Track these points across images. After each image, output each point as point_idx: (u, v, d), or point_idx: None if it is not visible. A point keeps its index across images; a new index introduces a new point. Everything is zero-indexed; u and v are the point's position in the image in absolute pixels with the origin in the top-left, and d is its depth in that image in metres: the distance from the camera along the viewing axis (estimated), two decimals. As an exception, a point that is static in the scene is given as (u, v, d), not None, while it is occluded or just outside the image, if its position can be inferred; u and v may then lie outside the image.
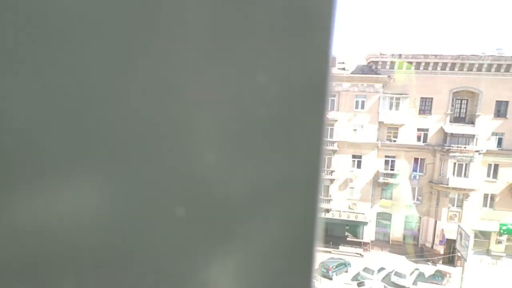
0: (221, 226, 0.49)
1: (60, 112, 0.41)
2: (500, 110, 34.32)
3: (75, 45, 0.41)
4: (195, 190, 0.47)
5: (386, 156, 36.71)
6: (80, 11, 0.40)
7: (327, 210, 37.20)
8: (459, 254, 31.76)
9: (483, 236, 35.71)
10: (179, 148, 0.45)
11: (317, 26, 0.45)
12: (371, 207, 37.31)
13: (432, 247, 35.82)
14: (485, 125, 34.22)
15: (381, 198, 37.18)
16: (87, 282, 0.46)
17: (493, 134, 34.46)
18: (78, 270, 0.45)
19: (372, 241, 37.65)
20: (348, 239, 37.68)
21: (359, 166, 37.10)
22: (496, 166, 34.73)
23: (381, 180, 36.45)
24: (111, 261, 0.46)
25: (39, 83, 0.41)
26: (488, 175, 34.97)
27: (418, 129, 35.82)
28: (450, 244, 34.29)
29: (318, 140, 0.49)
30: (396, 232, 37.51)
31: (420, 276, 32.00)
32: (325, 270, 32.24)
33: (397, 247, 36.98)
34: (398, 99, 35.47)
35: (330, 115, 36.52)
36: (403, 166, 36.43)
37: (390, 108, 35.77)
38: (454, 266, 33.92)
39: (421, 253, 35.84)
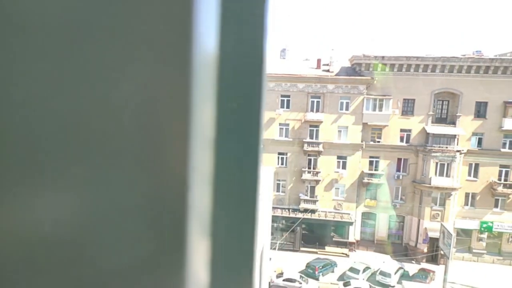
0: None
1: None
2: (480, 110, 35.13)
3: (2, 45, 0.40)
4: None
5: (370, 157, 37.15)
6: (7, 11, 0.39)
7: (313, 211, 37.44)
8: (442, 252, 32.37)
9: (465, 234, 36.47)
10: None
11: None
12: (356, 207, 37.69)
13: (416, 246, 36.39)
14: (466, 126, 34.99)
15: (366, 198, 37.60)
16: (39, 279, 0.46)
17: (474, 134, 35.25)
18: (31, 267, 0.45)
19: (357, 241, 38.03)
20: (334, 239, 37.97)
21: (344, 167, 37.44)
22: (477, 165, 35.53)
23: (365, 180, 36.87)
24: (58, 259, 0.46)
25: None
26: (469, 175, 35.75)
27: (401, 130, 36.37)
28: (433, 243, 34.88)
29: (184, 152, 0.46)
30: (381, 231, 37.98)
31: (405, 275, 32.44)
32: (311, 271, 32.40)
33: (382, 246, 37.45)
34: (381, 100, 35.95)
35: (315, 116, 36.81)
36: (387, 166, 36.94)
37: (374, 109, 36.22)
38: (438, 264, 34.53)
39: (405, 252, 36.40)
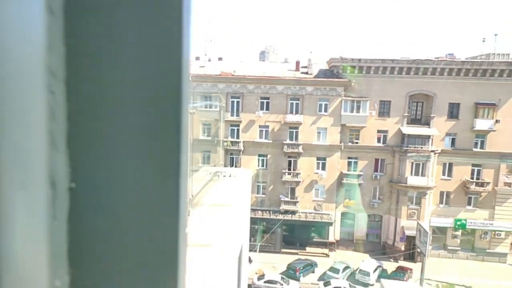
0: None
1: None
2: (452, 111, 36.30)
3: None
4: None
5: (348, 158, 37.74)
6: None
7: (294, 212, 37.68)
8: (418, 250, 33.20)
9: (440, 232, 37.56)
10: None
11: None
12: (336, 207, 38.18)
13: (393, 244, 37.18)
14: (440, 126, 36.09)
15: (345, 199, 38.15)
16: None
17: (447, 134, 36.39)
18: None
19: (337, 241, 38.52)
20: (314, 239, 38.32)
21: (323, 168, 37.88)
22: (451, 165, 36.68)
23: (344, 181, 37.41)
24: None
25: None
26: (444, 174, 36.86)
27: (378, 131, 37.14)
28: (410, 241, 35.75)
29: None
30: (360, 231, 38.61)
31: (383, 273, 33.06)
32: (292, 272, 32.58)
33: (361, 246, 38.06)
34: (359, 102, 36.61)
35: (295, 118, 37.11)
36: (365, 166, 37.63)
37: (352, 111, 36.84)
38: (415, 262, 35.39)
39: (384, 251, 37.14)
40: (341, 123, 36.92)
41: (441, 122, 36.14)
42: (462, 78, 35.36)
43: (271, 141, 37.87)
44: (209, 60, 43.65)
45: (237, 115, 38.03)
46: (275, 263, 35.21)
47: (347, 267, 33.18)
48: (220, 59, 47.19)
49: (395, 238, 37.11)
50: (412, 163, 35.55)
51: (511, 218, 37.20)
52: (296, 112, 37.50)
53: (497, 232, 36.73)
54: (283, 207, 37.63)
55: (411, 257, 36.33)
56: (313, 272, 33.64)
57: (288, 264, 33.65)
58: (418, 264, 32.30)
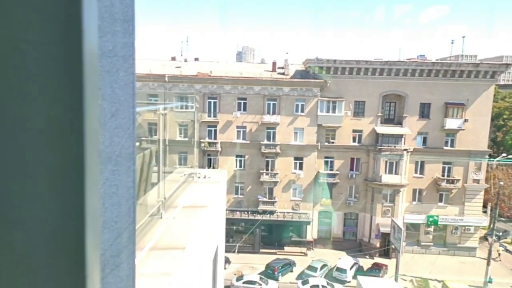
0: None
1: None
2: (424, 111, 37.48)
3: None
4: None
5: (325, 157, 38.27)
6: None
7: (272, 212, 37.84)
8: (393, 246, 34.05)
9: (413, 228, 38.68)
10: None
11: None
12: (313, 206, 38.63)
13: (369, 241, 37.99)
14: (412, 126, 37.19)
15: (322, 198, 38.65)
16: None
17: (419, 133, 37.54)
18: None
19: (315, 240, 38.99)
20: (292, 239, 38.62)
21: (300, 167, 38.24)
22: (422, 163, 37.86)
23: (321, 180, 37.92)
24: None
25: None
26: (416, 172, 38.00)
27: (354, 131, 37.87)
28: (385, 238, 36.64)
29: None
30: (337, 229, 39.23)
31: (360, 270, 33.71)
32: (271, 272, 32.70)
33: (338, 244, 38.69)
34: (334, 102, 37.20)
35: (272, 118, 37.29)
36: (341, 165, 38.27)
37: (328, 111, 37.39)
38: (390, 258, 36.29)
39: (360, 248, 37.89)
40: (317, 123, 37.40)
41: (413, 121, 37.25)
42: (433, 79, 36.58)
43: (248, 142, 37.90)
44: (185, 61, 43.22)
45: (214, 116, 37.84)
46: (254, 263, 35.25)
47: (324, 265, 33.63)
48: (196, 59, 46.82)
49: (371, 235, 37.93)
50: (386, 161, 36.47)
51: (480, 213, 38.84)
52: (273, 113, 37.70)
53: (466, 227, 38.21)
54: (261, 207, 37.73)
55: (386, 254, 37.24)
56: (291, 271, 33.89)
57: (267, 264, 33.76)
58: (393, 260, 33.13)
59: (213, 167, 37.39)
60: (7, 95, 0.56)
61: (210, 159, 38.17)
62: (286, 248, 37.94)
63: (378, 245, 37.50)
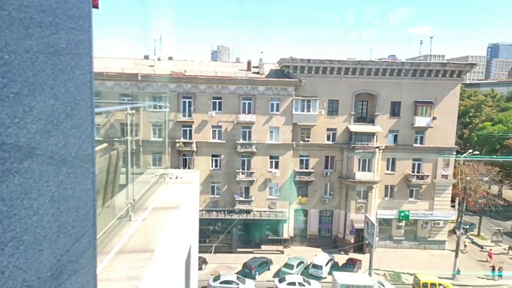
0: None
1: None
2: (394, 110, 38.58)
3: None
4: None
5: (300, 156, 38.69)
6: None
7: (249, 212, 37.89)
8: (367, 241, 34.88)
9: (386, 223, 39.80)
10: None
11: None
12: (290, 204, 38.97)
13: (344, 237, 38.75)
14: (383, 124, 38.20)
15: (298, 196, 39.07)
16: None
17: (390, 131, 38.61)
18: None
19: (291, 237, 39.37)
20: (269, 237, 38.82)
21: (276, 166, 38.48)
22: (394, 160, 38.98)
23: (297, 178, 38.31)
24: None
25: None
26: (387, 168, 39.08)
27: (328, 129, 38.48)
28: (359, 233, 37.49)
29: None
30: (313, 226, 39.78)
31: (335, 266, 34.34)
32: (248, 271, 32.76)
33: (314, 241, 39.24)
34: (309, 101, 37.65)
35: (247, 117, 37.32)
36: (316, 164, 38.82)
37: (302, 110, 37.80)
38: (364, 253, 37.15)
39: (335, 244, 38.60)
40: (292, 122, 37.74)
41: (384, 119, 38.27)
42: (403, 78, 37.69)
43: (224, 141, 37.76)
44: (159, 60, 42.51)
45: (189, 116, 37.44)
46: (231, 263, 35.20)
47: (301, 262, 34.02)
48: (170, 58, 46.18)
49: (345, 231, 38.69)
50: (359, 159, 37.31)
51: (448, 208, 40.42)
52: (249, 112, 37.72)
53: (436, 221, 39.67)
54: (238, 206, 37.70)
55: (360, 249, 38.09)
56: (268, 269, 34.08)
57: (244, 263, 33.79)
58: (367, 255, 33.93)
59: (189, 167, 37.01)
60: None
61: (186, 159, 37.75)
62: (263, 247, 38.12)
63: (352, 241, 38.31)
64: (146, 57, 45.00)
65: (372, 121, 38.43)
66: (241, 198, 38.03)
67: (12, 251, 0.69)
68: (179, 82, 36.81)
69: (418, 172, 39.05)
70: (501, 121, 56.94)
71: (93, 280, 1.48)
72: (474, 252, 39.90)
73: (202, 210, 37.71)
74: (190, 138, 37.54)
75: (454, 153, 39.68)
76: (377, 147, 37.36)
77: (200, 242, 38.99)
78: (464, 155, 40.49)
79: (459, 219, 38.70)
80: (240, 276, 31.52)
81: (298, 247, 38.89)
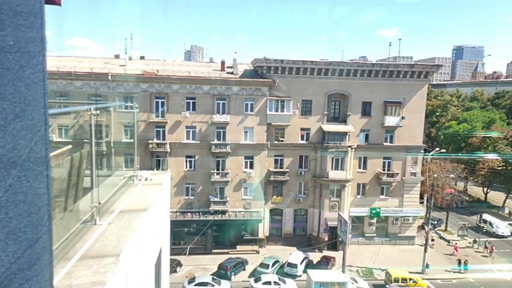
0: None
1: None
2: (365, 109, 39.54)
3: None
4: None
5: (275, 155, 38.94)
6: None
7: (224, 212, 37.73)
8: (340, 239, 35.56)
9: (358, 220, 40.73)
10: None
11: None
12: (265, 204, 39.13)
13: (318, 235, 39.33)
14: (355, 123, 39.07)
15: (272, 195, 39.30)
16: None
17: (361, 131, 39.54)
18: None
19: (266, 237, 39.54)
20: (244, 238, 38.82)
21: (251, 166, 38.53)
22: (365, 158, 39.95)
23: (272, 178, 38.52)
24: None
25: None
26: (359, 167, 40.01)
27: (301, 129, 38.93)
28: (332, 231, 38.16)
29: None
30: (287, 225, 40.13)
31: (310, 264, 34.78)
32: (223, 272, 32.61)
33: (289, 240, 39.59)
34: (283, 101, 37.95)
35: (222, 118, 37.17)
36: (291, 163, 39.18)
37: (277, 110, 38.05)
38: (337, 251, 37.86)
39: (309, 242, 39.10)
40: (266, 122, 37.92)
41: (356, 119, 39.15)
42: (373, 79, 38.70)
43: (198, 142, 37.43)
44: (130, 59, 41.59)
45: (162, 116, 36.86)
46: (206, 264, 34.94)
47: (276, 262, 34.22)
48: (142, 58, 45.29)
49: (320, 229, 39.28)
50: (333, 158, 37.99)
51: (417, 204, 41.85)
52: (223, 112, 37.57)
53: (406, 217, 40.98)
54: (213, 207, 37.48)
55: (334, 246, 38.79)
56: (244, 269, 34.07)
57: (219, 264, 33.63)
58: (341, 253, 34.57)
59: (162, 169, 36.42)
60: None
61: (159, 160, 37.14)
62: (239, 247, 38.07)
63: (326, 239, 38.94)
64: (117, 57, 43.93)
65: (344, 121, 39.22)
66: (216, 199, 37.83)
67: None
68: (152, 82, 36.17)
69: (388, 170, 40.21)
70: (466, 120, 59.61)
71: (48, 287, 1.42)
72: (442, 247, 41.54)
73: (176, 212, 37.22)
74: (164, 139, 36.97)
75: (422, 151, 41.15)
76: (349, 146, 38.16)
77: (174, 244, 38.61)
78: (432, 153, 42.06)
79: (427, 215, 40.19)
80: (215, 277, 31.34)
81: (273, 247, 39.11)
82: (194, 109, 37.20)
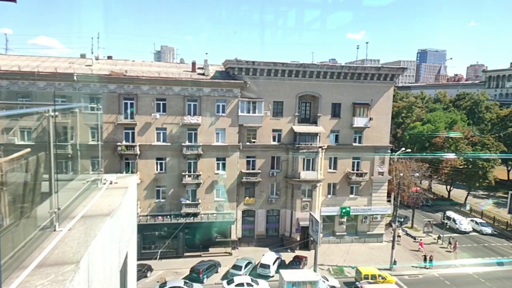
0: None
1: None
2: (335, 111, 40.36)
3: None
4: None
5: (247, 157, 38.97)
6: None
7: (196, 215, 37.32)
8: (312, 238, 36.08)
9: (329, 220, 41.48)
10: None
11: None
12: (237, 206, 39.06)
13: (290, 235, 39.70)
14: (325, 124, 39.79)
15: (245, 197, 39.29)
16: None
17: (332, 131, 40.33)
18: None
19: (239, 238, 39.46)
20: (217, 240, 38.55)
21: (223, 168, 38.36)
22: (335, 159, 40.78)
23: (244, 179, 38.52)
24: None
25: None
26: (330, 167, 40.79)
27: (273, 130, 39.20)
28: (304, 231, 38.64)
29: None
30: (260, 226, 40.24)
31: (282, 264, 35.03)
32: (196, 275, 32.21)
33: (262, 241, 39.71)
34: (254, 103, 38.07)
35: (193, 119, 36.78)
36: (263, 164, 39.33)
37: (248, 111, 38.12)
38: (309, 250, 38.36)
39: (282, 243, 39.39)
40: (238, 123, 37.90)
41: (326, 120, 39.90)
42: (342, 81, 39.59)
43: (169, 144, 36.85)
44: (97, 59, 40.36)
45: (132, 118, 36.01)
46: (178, 268, 34.42)
47: (249, 263, 34.22)
48: (109, 57, 44.06)
49: (292, 229, 39.67)
50: (304, 159, 38.50)
51: (385, 202, 43.16)
52: (194, 114, 37.21)
53: (374, 216, 42.17)
54: (185, 210, 37.00)
55: (306, 246, 39.29)
56: (216, 272, 33.83)
57: (192, 268, 33.21)
58: (312, 252, 35.08)
59: (132, 171, 35.56)
60: None
61: (128, 163, 36.24)
62: (211, 249, 37.78)
63: (298, 239, 39.37)
64: (83, 56, 42.50)
65: (315, 122, 39.85)
66: (187, 201, 37.37)
67: None
68: (120, 82, 35.26)
69: (357, 170, 41.24)
70: (430, 121, 62.25)
71: None
72: (408, 243, 43.06)
73: (147, 215, 36.44)
74: (133, 141, 36.12)
75: (389, 151, 42.51)
76: (320, 147, 38.81)
77: (145, 248, 37.79)
78: (398, 153, 43.52)
79: (394, 213, 41.52)
80: (187, 281, 30.92)
81: (246, 248, 39.10)
82: (164, 110, 36.60)
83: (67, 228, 3.98)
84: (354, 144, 40.77)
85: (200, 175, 37.30)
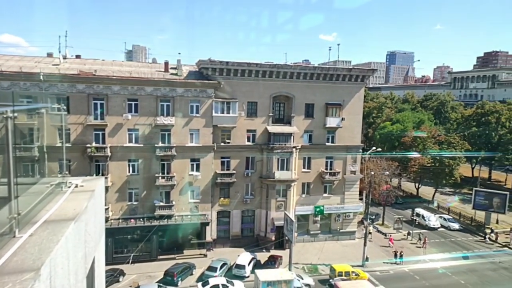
0: None
1: None
2: (309, 111, 40.88)
3: None
4: None
5: (222, 157, 38.79)
6: None
7: (170, 217, 36.76)
8: (287, 238, 36.36)
9: (303, 219, 41.98)
10: None
11: None
12: (212, 207, 38.79)
13: (265, 235, 39.85)
14: (299, 124, 40.24)
15: (220, 197, 39.08)
16: None
17: (305, 131, 40.83)
18: None
19: (214, 240, 39.21)
20: (191, 241, 38.12)
21: (197, 169, 38.01)
22: (309, 158, 41.31)
23: (219, 180, 38.31)
24: None
25: None
26: (304, 167, 41.28)
27: (248, 130, 39.22)
28: (279, 231, 38.89)
29: None
30: (235, 227, 40.15)
31: (257, 264, 35.09)
32: (170, 278, 31.72)
33: (237, 241, 39.64)
34: (228, 103, 37.96)
35: (166, 120, 36.21)
36: (238, 165, 39.27)
37: (222, 112, 37.96)
38: (284, 249, 38.65)
39: (257, 243, 39.47)
40: (213, 124, 37.67)
41: (300, 120, 40.35)
42: (315, 82, 40.16)
43: (142, 145, 36.13)
44: (64, 58, 38.99)
45: (102, 119, 35.02)
46: (152, 271, 33.77)
47: (224, 264, 34.06)
48: (78, 56, 42.67)
49: (267, 229, 39.83)
50: (278, 159, 38.76)
51: (357, 201, 44.16)
52: (168, 114, 36.66)
53: (347, 214, 43.05)
54: (158, 212, 36.38)
55: (281, 245, 39.54)
56: (191, 274, 33.46)
57: (165, 271, 32.67)
58: (287, 251, 35.37)
59: (102, 174, 34.60)
60: None
61: (99, 165, 35.24)
62: (186, 252, 37.32)
63: (273, 238, 39.58)
64: (50, 55, 40.94)
65: (289, 122, 40.21)
66: (161, 203, 36.76)
67: None
68: (89, 82, 34.23)
69: (330, 169, 41.95)
70: (399, 121, 64.21)
71: None
72: (379, 240, 44.23)
73: (118, 219, 35.55)
74: (104, 142, 35.15)
75: (361, 150, 43.52)
76: (294, 147, 39.19)
77: (117, 252, 36.88)
78: (369, 152, 44.64)
79: (366, 211, 42.56)
80: (161, 284, 30.41)
81: (221, 249, 38.90)
82: (136, 111, 35.84)
83: (28, 234, 3.81)
84: (327, 143, 41.45)
85: (174, 176, 36.79)
